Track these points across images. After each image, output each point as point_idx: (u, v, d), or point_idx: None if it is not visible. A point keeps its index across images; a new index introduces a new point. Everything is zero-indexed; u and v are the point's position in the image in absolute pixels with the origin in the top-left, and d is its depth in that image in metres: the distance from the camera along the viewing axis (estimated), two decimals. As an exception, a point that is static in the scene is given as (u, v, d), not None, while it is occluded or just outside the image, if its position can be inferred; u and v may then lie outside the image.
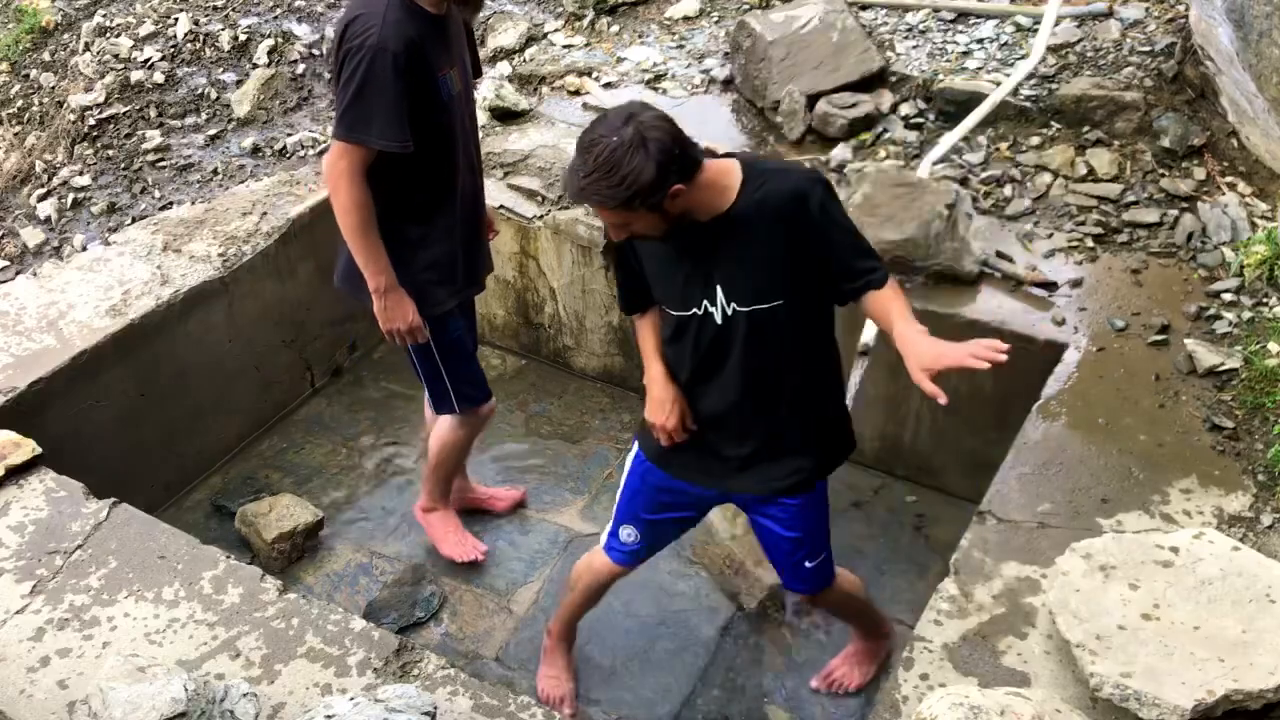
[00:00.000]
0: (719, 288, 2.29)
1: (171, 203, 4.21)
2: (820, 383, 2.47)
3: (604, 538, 2.78)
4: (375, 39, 2.57)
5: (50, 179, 4.52)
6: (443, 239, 2.91)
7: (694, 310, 2.33)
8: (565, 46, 4.93)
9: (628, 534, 2.71)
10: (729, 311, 2.30)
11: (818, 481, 2.54)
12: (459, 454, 3.36)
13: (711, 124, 4.30)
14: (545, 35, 5.06)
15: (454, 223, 2.92)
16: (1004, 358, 2.08)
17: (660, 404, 2.45)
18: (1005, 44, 4.33)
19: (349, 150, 2.67)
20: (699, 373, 2.42)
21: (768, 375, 2.37)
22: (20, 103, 5.01)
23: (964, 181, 3.76)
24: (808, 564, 2.64)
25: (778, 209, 2.21)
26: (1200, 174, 3.67)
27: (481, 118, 4.40)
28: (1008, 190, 3.74)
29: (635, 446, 2.65)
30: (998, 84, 4.02)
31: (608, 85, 4.57)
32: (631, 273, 2.46)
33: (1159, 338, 3.12)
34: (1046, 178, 3.75)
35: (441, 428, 3.28)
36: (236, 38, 4.93)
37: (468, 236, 3.00)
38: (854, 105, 4.08)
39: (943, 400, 2.09)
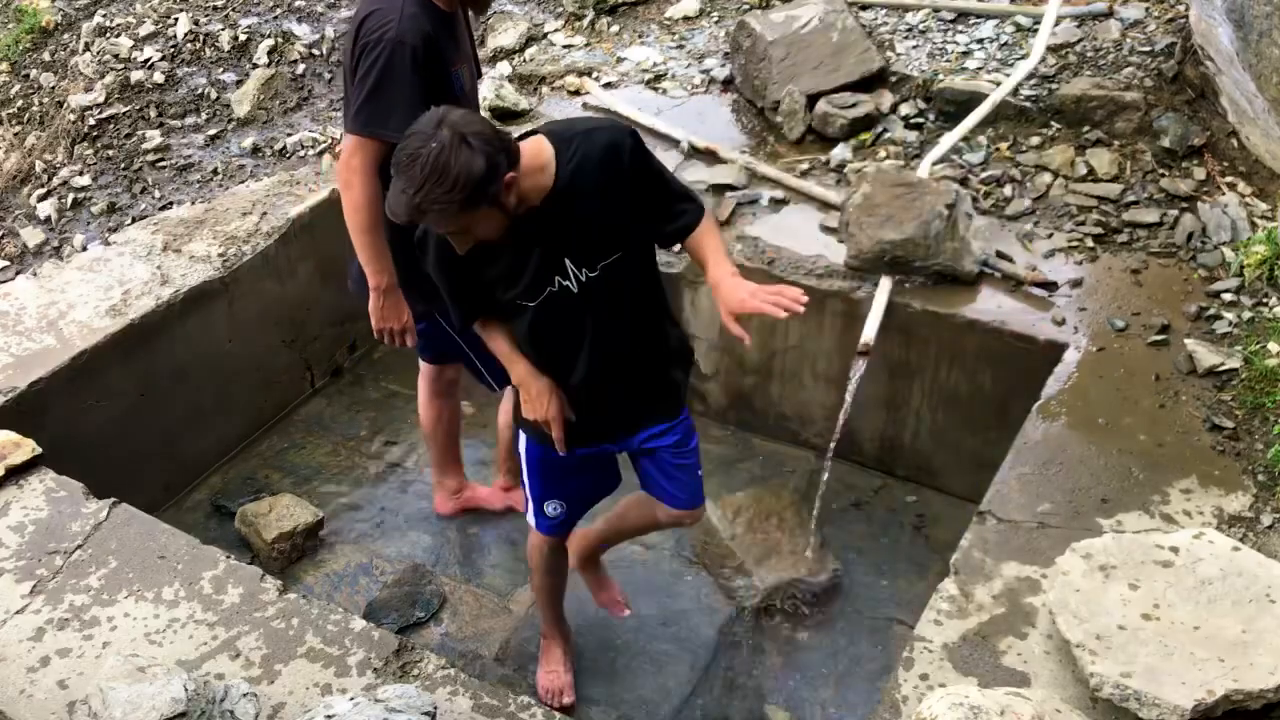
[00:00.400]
0: (568, 260, 2.33)
1: (171, 203, 4.21)
2: (664, 309, 2.58)
3: (530, 520, 2.80)
4: (393, 33, 2.57)
5: (50, 179, 4.52)
6: None
7: (549, 289, 2.36)
8: (565, 46, 4.93)
9: (553, 508, 2.75)
10: (583, 279, 2.35)
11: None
12: None
13: (711, 124, 4.30)
14: (545, 35, 5.06)
15: None
16: (801, 309, 2.21)
17: (538, 398, 2.47)
18: (1005, 44, 4.33)
19: (364, 145, 2.67)
20: (567, 345, 2.44)
21: (628, 321, 2.45)
22: (20, 103, 5.01)
23: (964, 181, 3.76)
24: (700, 471, 2.77)
25: (597, 168, 2.25)
26: (1200, 174, 3.67)
27: (481, 118, 4.39)
28: (1008, 190, 3.74)
29: (522, 436, 2.67)
30: (998, 84, 4.02)
31: (608, 85, 4.58)
32: (467, 284, 2.40)
33: (1159, 338, 3.12)
34: (1046, 178, 3.75)
35: (507, 405, 3.31)
36: (236, 38, 4.93)
37: None
38: (854, 105, 4.08)
39: (747, 341, 2.31)
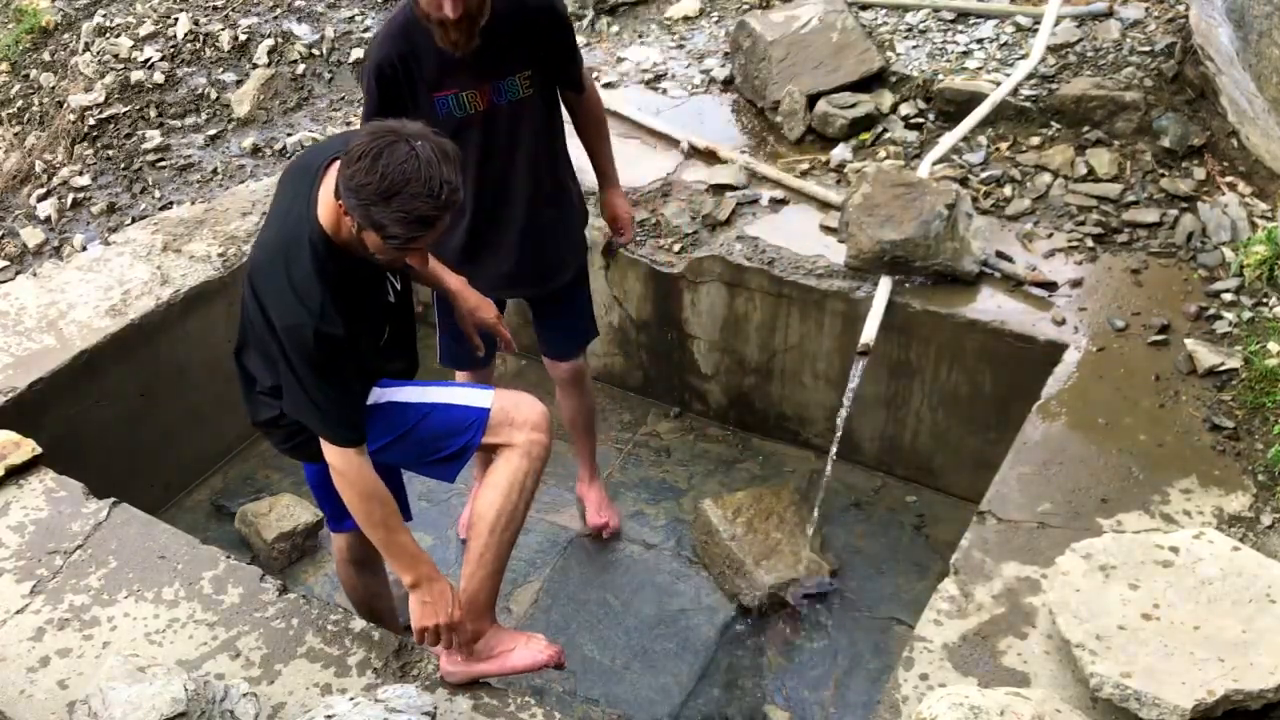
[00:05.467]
0: (388, 278, 2.38)
1: (171, 203, 4.21)
2: None
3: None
4: None
5: (50, 179, 4.52)
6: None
7: (385, 327, 2.38)
8: (565, 46, 4.93)
9: None
10: (398, 286, 2.42)
11: None
12: None
13: (711, 124, 4.30)
14: (545, 35, 5.06)
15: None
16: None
17: (440, 599, 2.30)
18: (1005, 44, 4.33)
19: None
20: (397, 348, 2.49)
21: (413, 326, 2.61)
22: (20, 103, 5.01)
23: (964, 181, 3.76)
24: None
25: None
26: (1200, 174, 3.67)
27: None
28: (1008, 190, 3.74)
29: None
30: (998, 84, 4.02)
31: (608, 85, 4.57)
32: (355, 373, 2.29)
33: (1159, 338, 3.12)
34: (1046, 178, 3.75)
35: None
36: (236, 38, 4.93)
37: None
38: (854, 105, 4.08)
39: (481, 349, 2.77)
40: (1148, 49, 4.08)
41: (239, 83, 4.77)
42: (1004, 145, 3.91)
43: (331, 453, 2.25)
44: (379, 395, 2.43)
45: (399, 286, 2.44)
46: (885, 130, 4.06)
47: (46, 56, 5.12)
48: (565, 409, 3.45)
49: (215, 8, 5.10)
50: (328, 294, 2.13)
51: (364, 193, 1.97)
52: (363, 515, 2.28)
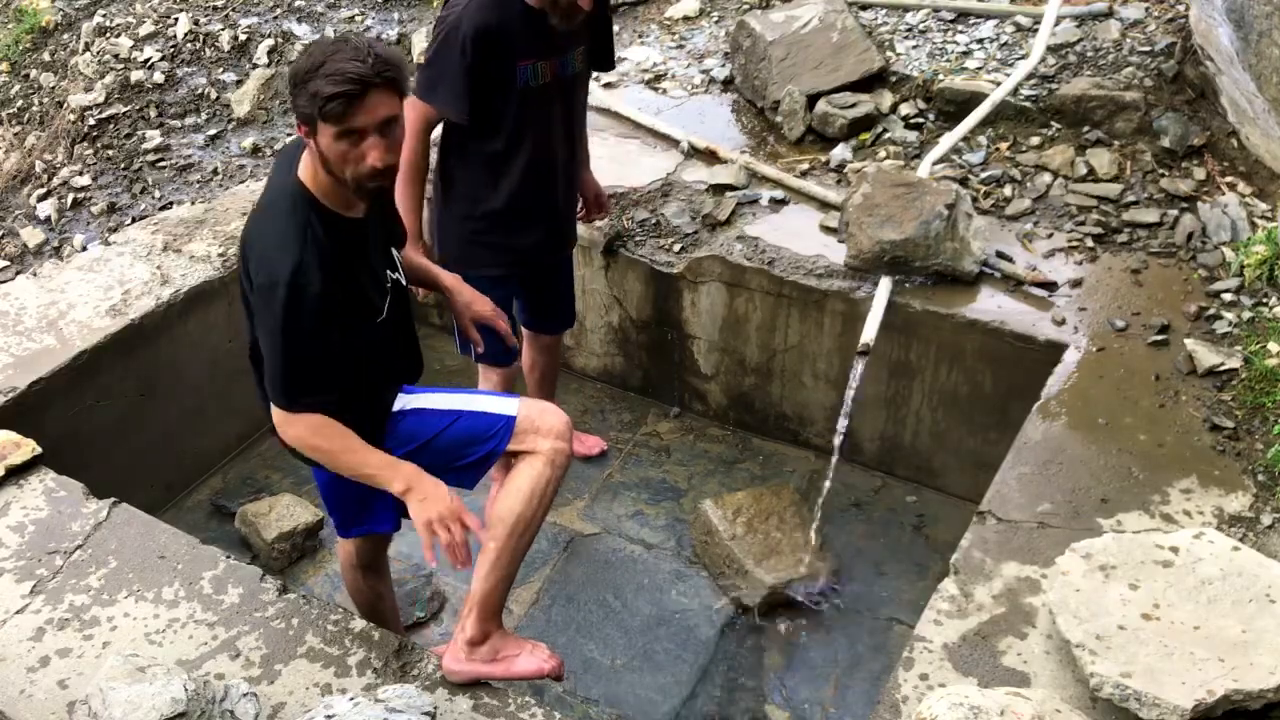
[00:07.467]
0: (393, 250, 2.39)
1: (171, 203, 4.21)
2: None
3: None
4: (453, 18, 2.79)
5: (50, 179, 4.53)
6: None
7: (387, 302, 2.34)
8: (565, 46, 4.93)
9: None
10: (396, 274, 2.42)
11: None
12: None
13: (711, 124, 4.30)
14: (545, 35, 5.06)
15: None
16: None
17: (435, 492, 2.22)
18: (1005, 44, 4.33)
19: (413, 104, 2.86)
20: (400, 345, 2.48)
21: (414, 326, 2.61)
22: (20, 103, 5.01)
23: (964, 181, 3.76)
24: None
25: None
26: (1200, 174, 3.67)
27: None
28: (1008, 190, 3.74)
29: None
30: (998, 84, 4.02)
31: (608, 85, 4.57)
32: (336, 336, 2.19)
33: (1159, 338, 3.12)
34: (1046, 178, 3.75)
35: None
36: (236, 38, 4.93)
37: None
38: (854, 105, 4.08)
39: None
40: (1148, 49, 4.08)
41: (239, 83, 4.77)
42: (1004, 145, 3.92)
43: (274, 411, 2.21)
44: (405, 402, 2.45)
45: (400, 269, 2.44)
46: (885, 130, 4.06)
47: (46, 56, 5.12)
48: (538, 368, 3.60)
49: (215, 8, 5.10)
50: (307, 247, 2.10)
51: (298, 76, 2.06)
52: (321, 445, 2.21)
